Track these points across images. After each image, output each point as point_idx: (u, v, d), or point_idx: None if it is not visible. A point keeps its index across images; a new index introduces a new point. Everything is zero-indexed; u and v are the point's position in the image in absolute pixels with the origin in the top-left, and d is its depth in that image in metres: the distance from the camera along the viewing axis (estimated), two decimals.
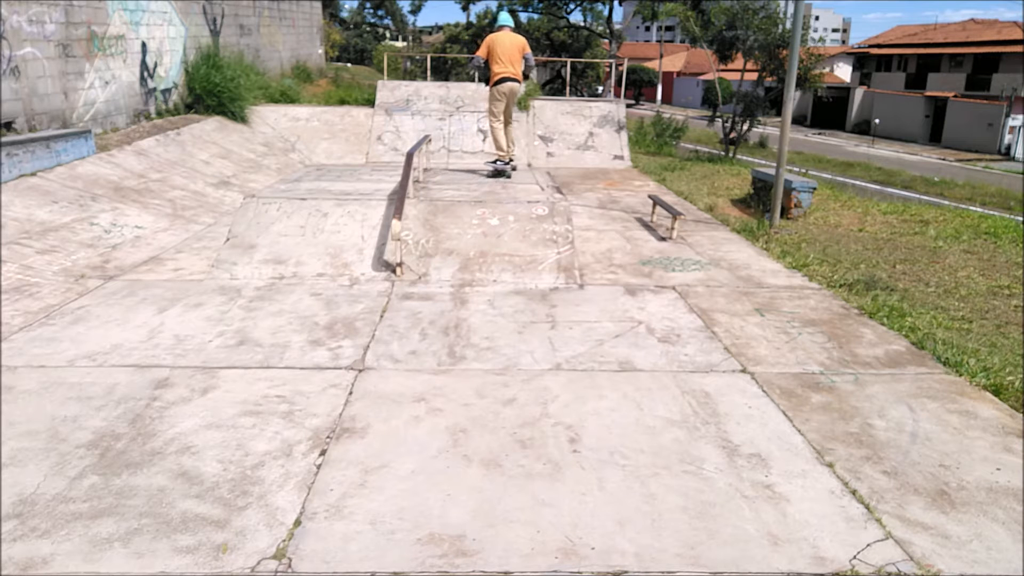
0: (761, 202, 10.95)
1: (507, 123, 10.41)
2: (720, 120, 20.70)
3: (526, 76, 10.37)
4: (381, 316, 6.09)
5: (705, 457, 4.00)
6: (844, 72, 57.27)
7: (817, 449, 4.11)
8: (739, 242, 8.93)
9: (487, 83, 10.06)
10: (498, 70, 9.72)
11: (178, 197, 9.73)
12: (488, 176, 10.27)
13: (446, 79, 31.21)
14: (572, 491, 3.66)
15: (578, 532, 3.34)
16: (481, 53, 9.84)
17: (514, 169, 10.49)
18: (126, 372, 4.89)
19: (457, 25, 45.32)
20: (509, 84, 9.80)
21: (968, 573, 3.16)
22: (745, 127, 18.61)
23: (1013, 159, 37.86)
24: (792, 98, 9.73)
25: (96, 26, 10.90)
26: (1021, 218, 14.43)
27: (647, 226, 9.55)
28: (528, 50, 10.03)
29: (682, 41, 46.16)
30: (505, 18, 10.22)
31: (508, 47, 9.72)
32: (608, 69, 39.32)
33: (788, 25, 16.09)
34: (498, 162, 10.42)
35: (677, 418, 4.44)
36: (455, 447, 4.05)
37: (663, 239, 8.89)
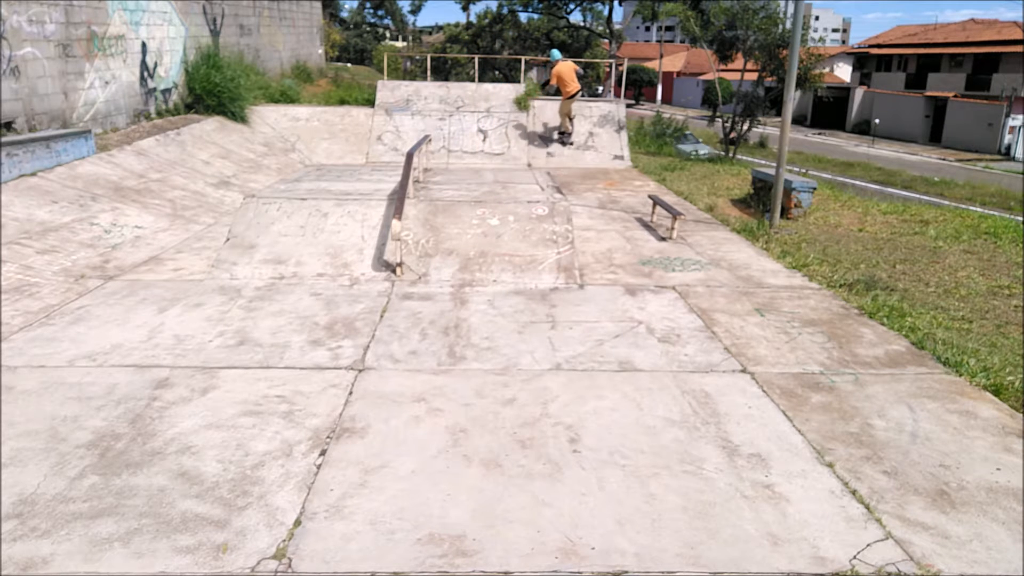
0: (761, 202, 10.95)
1: (571, 115, 14.89)
2: (720, 120, 20.69)
3: (582, 77, 14.71)
4: (381, 316, 6.09)
5: (705, 457, 4.00)
6: (844, 72, 57.25)
7: (817, 449, 4.11)
8: (739, 242, 8.93)
9: (555, 93, 14.66)
10: (569, 88, 14.11)
11: (178, 197, 9.73)
12: (556, 141, 15.06)
13: (446, 79, 31.23)
14: (572, 491, 3.66)
15: (578, 532, 3.34)
16: (554, 81, 14.20)
17: (572, 144, 15.12)
18: (126, 372, 4.89)
19: (457, 25, 45.27)
20: (576, 97, 14.45)
21: (968, 573, 3.16)
22: (745, 127, 18.60)
23: (1013, 159, 37.84)
24: (792, 98, 9.73)
25: (96, 26, 10.91)
26: (1021, 218, 14.42)
27: (647, 226, 9.55)
28: (578, 68, 14.34)
29: (682, 41, 46.17)
30: (557, 54, 14.57)
31: (569, 72, 14.07)
32: (608, 69, 39.32)
33: (788, 25, 16.09)
34: (564, 135, 15.04)
35: (677, 418, 4.44)
36: (455, 447, 4.05)
37: (663, 239, 8.89)
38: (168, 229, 8.61)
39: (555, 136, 15.08)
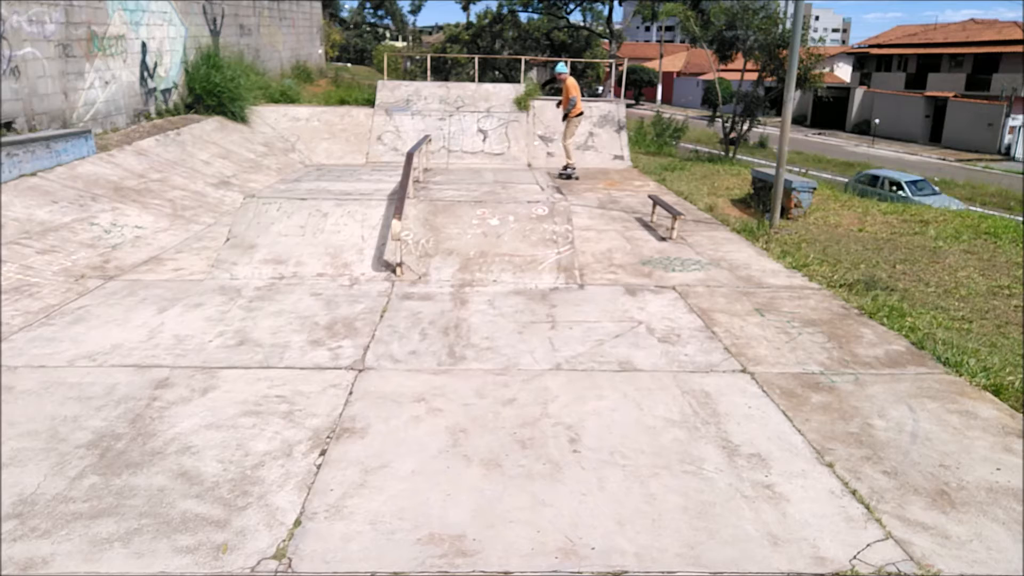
0: (761, 202, 10.95)
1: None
2: (720, 120, 20.70)
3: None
4: (381, 316, 6.09)
5: (705, 457, 4.00)
6: (844, 72, 57.25)
7: (817, 449, 4.11)
8: (739, 242, 8.93)
9: (567, 114, 12.66)
10: (582, 107, 12.83)
11: (178, 197, 9.73)
12: (561, 178, 12.86)
13: (446, 79, 31.23)
14: (572, 491, 3.66)
15: (578, 532, 3.34)
16: (574, 93, 12.43)
17: (577, 178, 13.14)
18: (126, 372, 4.89)
19: (457, 25, 45.28)
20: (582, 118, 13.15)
21: (968, 573, 3.16)
22: (745, 127, 18.61)
23: (1013, 159, 37.85)
24: (792, 98, 9.73)
25: (96, 26, 10.90)
26: (1021, 218, 14.42)
27: (647, 226, 9.55)
28: None
29: (682, 41, 46.14)
30: (564, 67, 13.24)
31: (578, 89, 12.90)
32: (608, 69, 39.32)
33: (788, 25, 16.09)
34: (568, 168, 13.10)
35: (677, 418, 4.44)
36: (455, 447, 4.05)
37: (663, 239, 8.89)
38: (168, 229, 8.61)
39: (559, 174, 13.05)
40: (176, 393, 4.61)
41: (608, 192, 11.97)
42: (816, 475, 3.85)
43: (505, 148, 14.97)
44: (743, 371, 5.13)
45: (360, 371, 5.01)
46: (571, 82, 12.59)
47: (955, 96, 42.57)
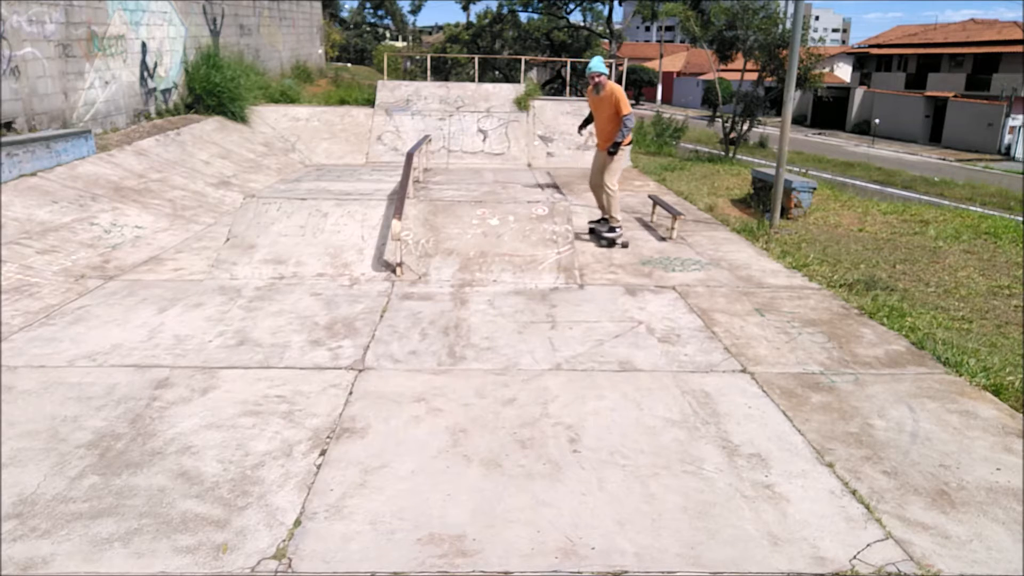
0: (761, 202, 10.94)
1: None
2: (720, 120, 20.69)
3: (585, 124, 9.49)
4: (381, 316, 6.09)
5: (705, 457, 4.00)
6: (844, 72, 57.28)
7: (817, 449, 4.11)
8: (739, 242, 8.93)
9: (618, 143, 8.26)
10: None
11: (178, 197, 9.73)
12: (601, 242, 8.52)
13: (446, 79, 31.24)
14: (572, 491, 3.66)
15: (578, 532, 3.34)
16: (626, 110, 8.16)
17: (626, 246, 8.54)
18: (126, 372, 4.89)
19: (457, 25, 45.27)
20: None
21: (968, 573, 3.16)
22: (745, 127, 18.60)
23: (1013, 159, 37.87)
24: (792, 98, 9.73)
25: (96, 26, 10.90)
26: (1021, 218, 14.42)
27: (647, 226, 9.55)
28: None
29: (682, 41, 46.18)
30: (601, 64, 8.36)
31: None
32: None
33: (788, 25, 16.09)
34: (613, 228, 8.54)
35: (677, 418, 4.44)
36: (455, 447, 4.05)
37: (663, 239, 8.89)
38: (168, 229, 8.61)
39: (591, 228, 8.86)
40: (176, 393, 4.61)
41: None
42: (816, 475, 3.85)
43: (505, 148, 14.97)
44: (743, 371, 5.13)
45: (360, 371, 5.01)
46: (618, 90, 8.25)
47: (955, 96, 42.60)
